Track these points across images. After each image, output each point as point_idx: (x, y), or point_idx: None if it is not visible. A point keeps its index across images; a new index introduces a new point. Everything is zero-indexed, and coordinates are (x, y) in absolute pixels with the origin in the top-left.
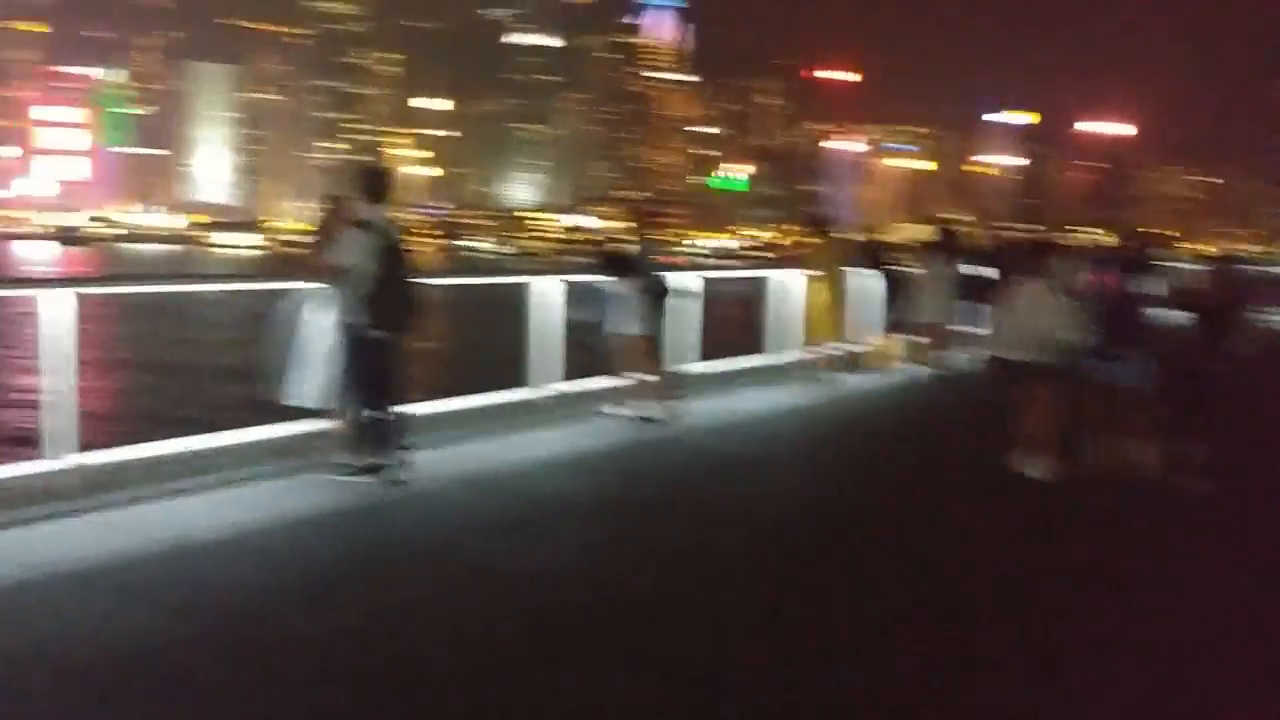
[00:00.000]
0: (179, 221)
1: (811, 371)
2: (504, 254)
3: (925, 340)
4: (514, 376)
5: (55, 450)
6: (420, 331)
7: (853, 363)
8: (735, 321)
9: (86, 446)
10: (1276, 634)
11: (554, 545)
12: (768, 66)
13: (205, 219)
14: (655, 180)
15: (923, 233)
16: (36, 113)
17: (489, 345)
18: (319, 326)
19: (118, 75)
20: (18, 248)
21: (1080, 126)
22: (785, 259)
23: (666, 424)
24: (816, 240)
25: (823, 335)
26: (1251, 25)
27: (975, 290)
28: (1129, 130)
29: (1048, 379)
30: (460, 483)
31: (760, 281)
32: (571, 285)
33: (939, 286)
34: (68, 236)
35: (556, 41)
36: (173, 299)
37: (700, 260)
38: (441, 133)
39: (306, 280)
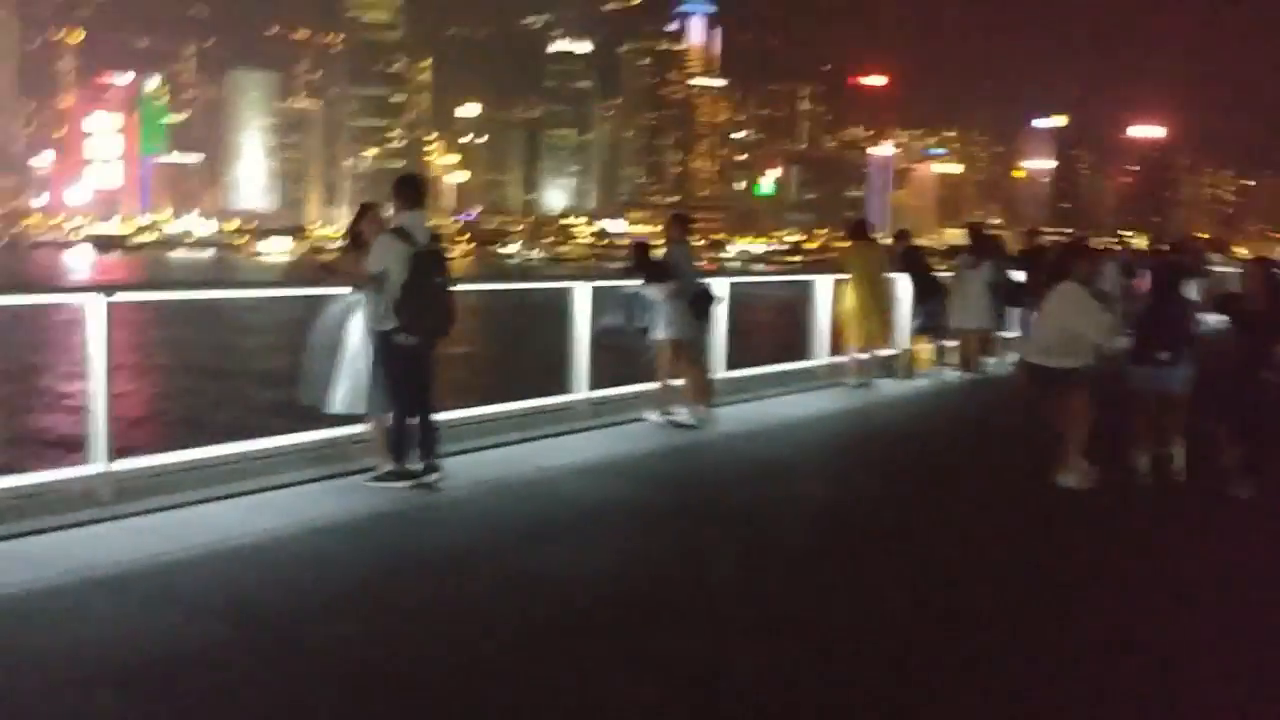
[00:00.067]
0: (217, 228)
1: (845, 377)
2: (535, 259)
3: (957, 344)
4: (547, 381)
5: (91, 456)
6: (452, 337)
7: (886, 368)
8: (768, 326)
9: (125, 450)
10: None
11: (584, 551)
12: (800, 71)
13: (237, 224)
14: (689, 185)
15: (962, 238)
16: (76, 120)
17: (524, 350)
18: (353, 333)
19: (156, 83)
20: (57, 255)
21: (1116, 130)
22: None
23: (700, 429)
24: (850, 244)
25: (856, 340)
26: None
27: (1007, 293)
28: (1162, 132)
29: (1079, 385)
30: (492, 488)
31: (802, 286)
32: (604, 290)
33: (970, 290)
34: (106, 243)
35: (592, 48)
36: (213, 304)
37: (728, 265)
38: (477, 139)
39: (338, 286)
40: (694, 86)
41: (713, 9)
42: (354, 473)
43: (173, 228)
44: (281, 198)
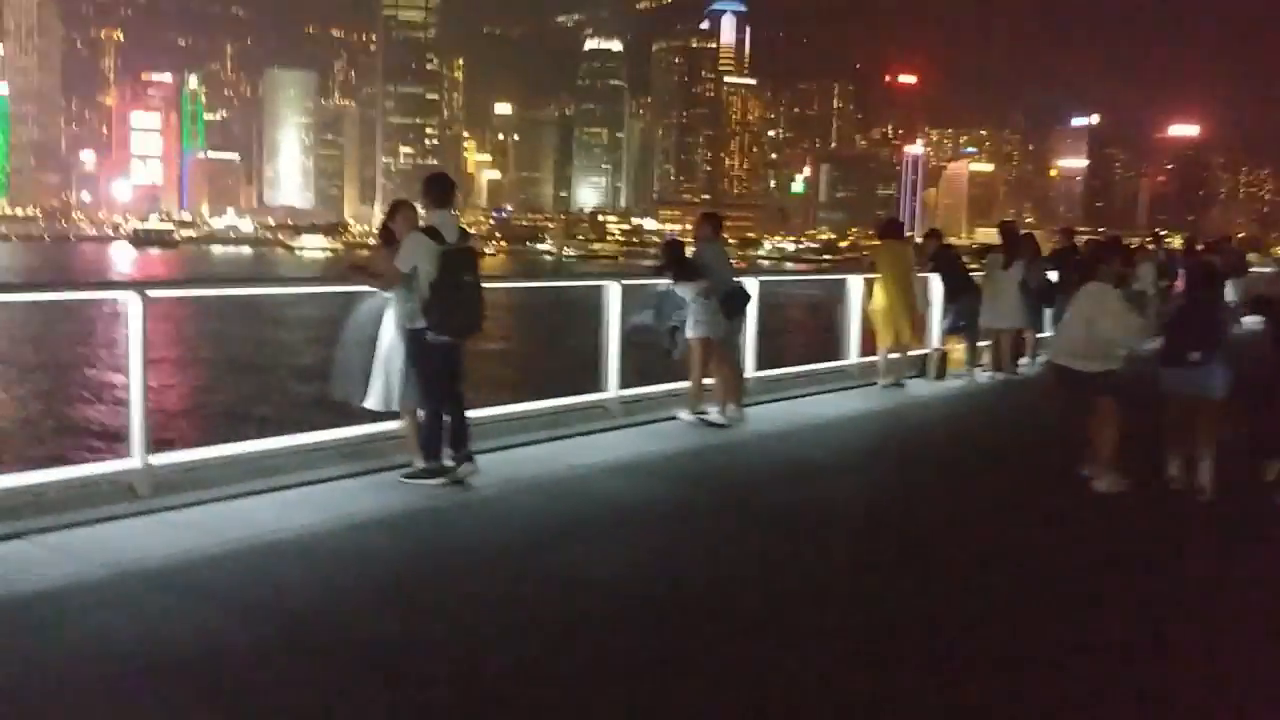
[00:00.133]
0: (256, 224)
1: (877, 376)
2: (568, 256)
3: (990, 344)
4: (580, 379)
5: (130, 450)
6: (487, 334)
7: (918, 368)
8: (800, 325)
9: (169, 442)
10: None
11: (616, 550)
12: (831, 69)
13: (272, 221)
14: (720, 183)
15: (993, 237)
16: (117, 118)
17: (558, 347)
18: (387, 330)
19: (195, 82)
20: (102, 250)
21: (1151, 128)
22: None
23: (731, 428)
24: (881, 243)
25: (886, 340)
26: None
27: (1040, 293)
28: (1197, 130)
29: (1107, 387)
30: (523, 486)
31: (835, 284)
32: (635, 288)
33: (1002, 289)
34: (146, 239)
35: (624, 46)
36: (254, 299)
37: (760, 263)
38: (510, 137)
39: (368, 285)
40: (725, 85)
41: (744, 8)
42: (390, 469)
43: (213, 223)
44: (317, 195)
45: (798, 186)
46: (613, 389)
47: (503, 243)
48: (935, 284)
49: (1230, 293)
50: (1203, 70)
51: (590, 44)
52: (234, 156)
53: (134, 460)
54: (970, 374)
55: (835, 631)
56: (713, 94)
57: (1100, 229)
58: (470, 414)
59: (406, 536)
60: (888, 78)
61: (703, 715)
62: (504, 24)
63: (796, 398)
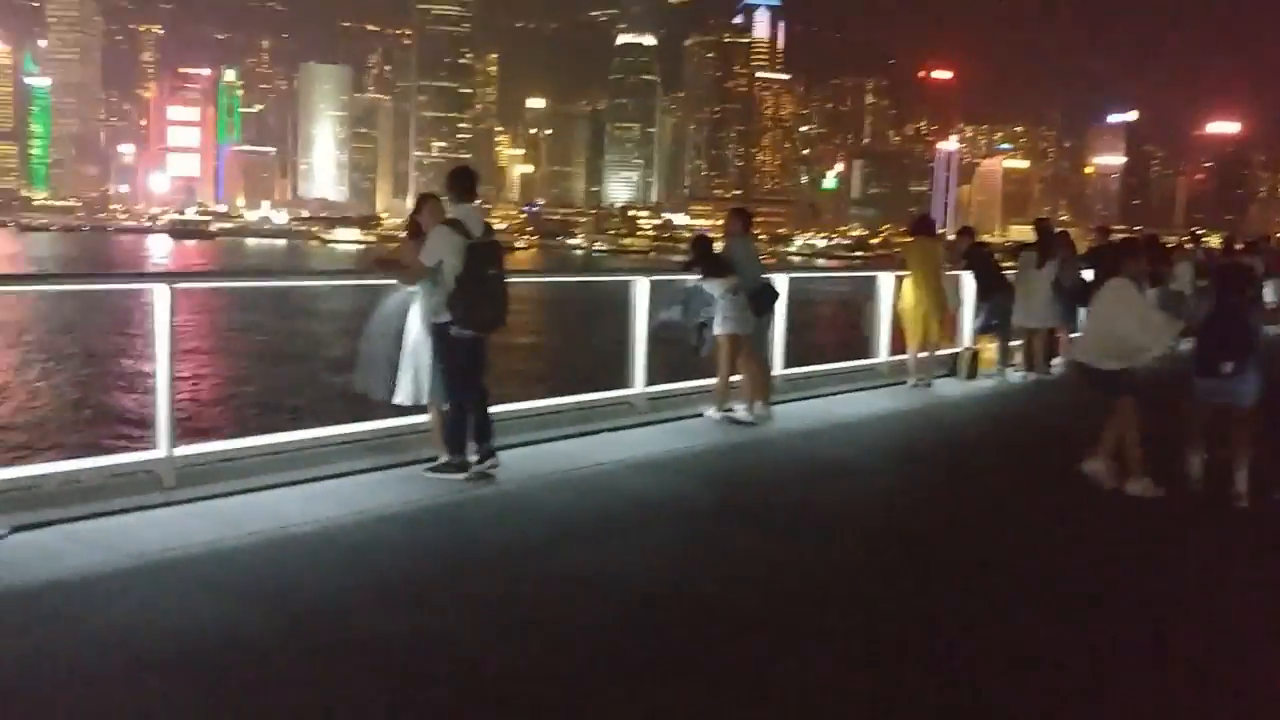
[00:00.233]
0: (292, 217)
1: (906, 375)
2: (598, 251)
3: (1022, 344)
4: (607, 374)
5: (155, 441)
6: (516, 328)
7: (949, 367)
8: (829, 322)
9: (198, 432)
10: None
11: (638, 549)
12: (865, 65)
13: (306, 214)
14: (752, 179)
15: (1028, 234)
16: (156, 111)
17: (587, 342)
18: (414, 324)
19: (232, 75)
20: (140, 241)
21: (1190, 125)
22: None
23: (758, 426)
24: (912, 240)
25: (914, 338)
26: None
27: (1074, 292)
28: (1237, 127)
29: (1127, 386)
30: (547, 481)
31: (865, 282)
32: (663, 284)
33: (1034, 288)
34: (182, 230)
35: (657, 41)
36: (287, 290)
37: (790, 259)
38: (542, 132)
39: (393, 278)
40: (758, 80)
41: (777, 2)
42: (415, 462)
43: (248, 216)
44: (351, 188)
45: (830, 182)
46: (639, 385)
47: (534, 237)
48: (967, 282)
49: (1270, 294)
50: (1243, 67)
51: (623, 39)
52: (269, 150)
53: (159, 451)
54: (1002, 374)
55: (858, 635)
56: (745, 89)
57: (1137, 227)
58: (496, 409)
59: (427, 532)
60: (922, 73)
61: None
62: (538, 18)
63: (825, 396)
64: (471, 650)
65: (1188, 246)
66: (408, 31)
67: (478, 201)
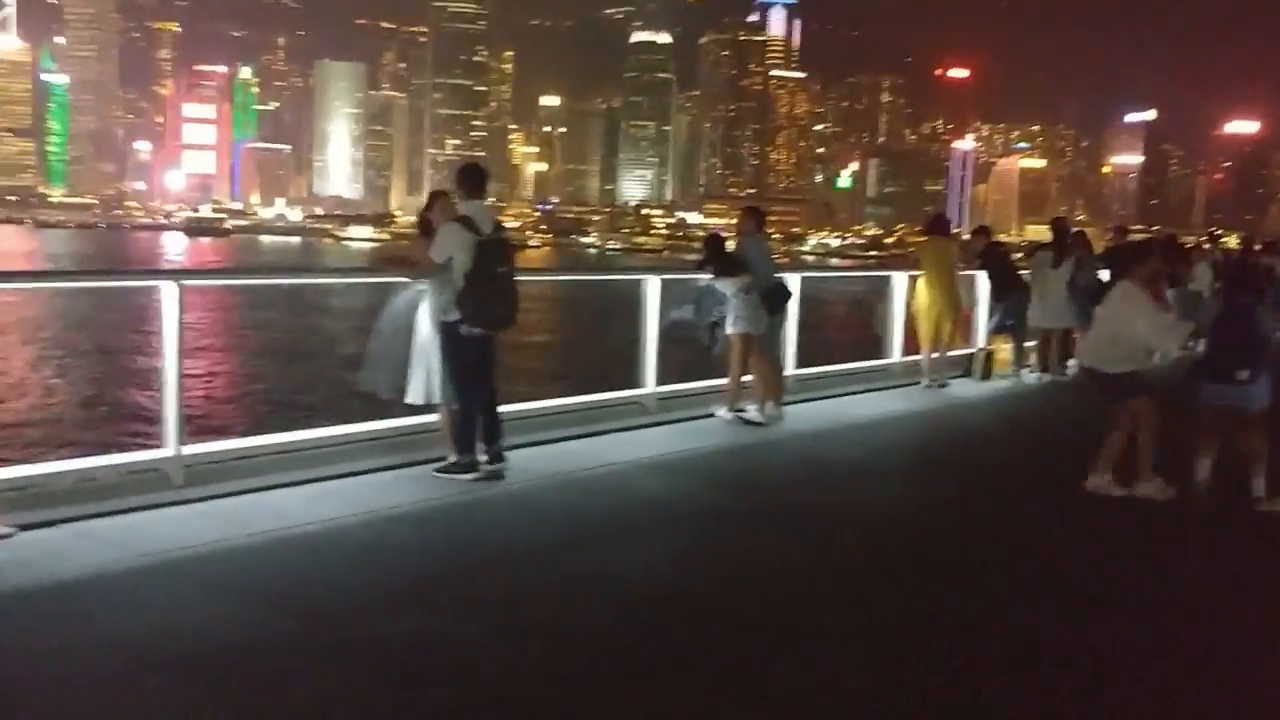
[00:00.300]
0: (307, 214)
1: (920, 376)
2: (611, 249)
3: (1036, 344)
4: (619, 373)
5: (163, 440)
6: (528, 326)
7: (963, 368)
8: (842, 322)
9: (211, 430)
10: None
11: (641, 549)
12: (880, 63)
13: (320, 211)
14: (767, 177)
15: (1044, 234)
16: (172, 109)
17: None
18: (424, 323)
19: (248, 73)
20: (156, 237)
21: (1209, 125)
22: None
23: (769, 426)
24: (926, 240)
25: (927, 339)
26: None
27: (1090, 293)
28: (1256, 127)
29: (1136, 388)
30: (556, 482)
31: (879, 281)
32: (674, 283)
33: (1050, 288)
34: (198, 227)
35: (672, 39)
36: (301, 288)
37: (804, 258)
38: (557, 130)
39: (402, 275)
40: (773, 78)
41: (793, 1)
42: (424, 462)
43: (265, 213)
44: (365, 186)
45: (845, 181)
46: (650, 385)
47: (547, 235)
48: (982, 282)
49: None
50: (1263, 66)
51: (638, 36)
52: (285, 147)
53: (167, 450)
54: (1016, 375)
55: (864, 638)
56: (760, 87)
57: (1155, 227)
58: (505, 409)
59: (435, 532)
60: (939, 71)
61: None
62: (553, 16)
63: (837, 397)
64: (472, 650)
65: (1205, 247)
66: (423, 29)
67: (489, 199)
